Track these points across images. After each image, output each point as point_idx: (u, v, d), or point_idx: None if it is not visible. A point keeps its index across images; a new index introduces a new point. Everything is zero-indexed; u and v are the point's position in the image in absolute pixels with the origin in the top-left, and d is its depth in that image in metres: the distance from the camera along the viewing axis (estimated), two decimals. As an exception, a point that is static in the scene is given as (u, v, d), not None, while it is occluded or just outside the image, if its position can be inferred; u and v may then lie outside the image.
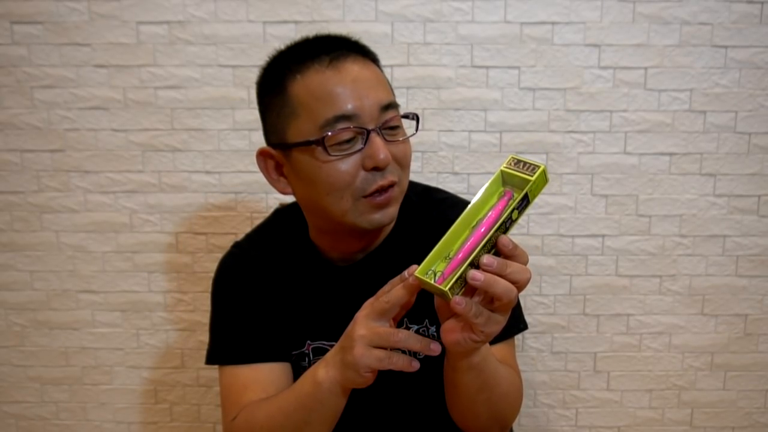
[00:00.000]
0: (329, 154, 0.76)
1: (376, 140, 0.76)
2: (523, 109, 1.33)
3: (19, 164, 1.36)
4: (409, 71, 1.31)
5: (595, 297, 1.40)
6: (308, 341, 0.89)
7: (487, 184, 0.66)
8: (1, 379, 1.45)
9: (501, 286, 0.60)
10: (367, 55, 0.82)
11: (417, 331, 0.87)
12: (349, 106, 0.75)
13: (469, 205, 0.65)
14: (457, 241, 0.63)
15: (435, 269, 0.62)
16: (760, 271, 1.38)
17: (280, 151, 0.82)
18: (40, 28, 1.30)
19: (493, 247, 0.62)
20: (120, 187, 1.36)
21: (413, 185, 0.92)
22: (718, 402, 1.44)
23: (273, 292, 0.89)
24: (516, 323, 0.90)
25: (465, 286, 0.62)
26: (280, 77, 0.79)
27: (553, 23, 1.30)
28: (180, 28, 1.30)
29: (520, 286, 0.61)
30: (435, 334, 0.88)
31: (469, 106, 1.32)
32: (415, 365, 0.67)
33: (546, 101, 1.33)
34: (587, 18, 1.30)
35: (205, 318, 1.40)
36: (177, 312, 1.41)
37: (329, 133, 0.75)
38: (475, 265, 0.61)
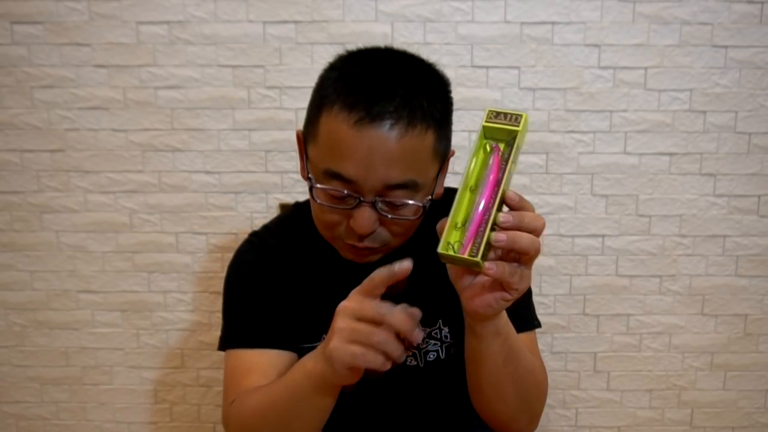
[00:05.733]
0: (314, 200, 0.76)
1: (364, 212, 0.73)
2: (523, 109, 1.33)
3: (19, 164, 1.36)
4: (409, 71, 1.31)
5: (595, 297, 1.40)
6: (324, 335, 0.88)
7: (473, 144, 0.66)
8: (1, 379, 1.45)
9: (525, 240, 0.60)
10: (415, 121, 0.71)
11: (430, 334, 0.86)
12: (351, 171, 0.72)
13: (465, 169, 0.65)
14: (462, 207, 0.63)
15: (451, 241, 0.62)
16: (760, 271, 1.38)
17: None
18: (40, 28, 1.30)
19: (501, 203, 0.62)
20: (120, 187, 1.36)
21: None
22: (718, 402, 1.44)
23: (289, 282, 0.88)
24: (532, 317, 0.89)
25: (489, 250, 0.62)
26: (322, 96, 0.75)
27: (553, 23, 1.30)
28: (180, 28, 1.30)
29: (537, 233, 0.61)
30: (448, 335, 0.87)
31: (469, 106, 1.32)
32: (387, 366, 0.63)
33: (546, 101, 1.32)
34: (587, 18, 1.30)
35: (205, 318, 1.40)
36: (177, 312, 1.41)
37: (318, 186, 0.74)
38: (492, 226, 0.61)
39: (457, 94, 1.33)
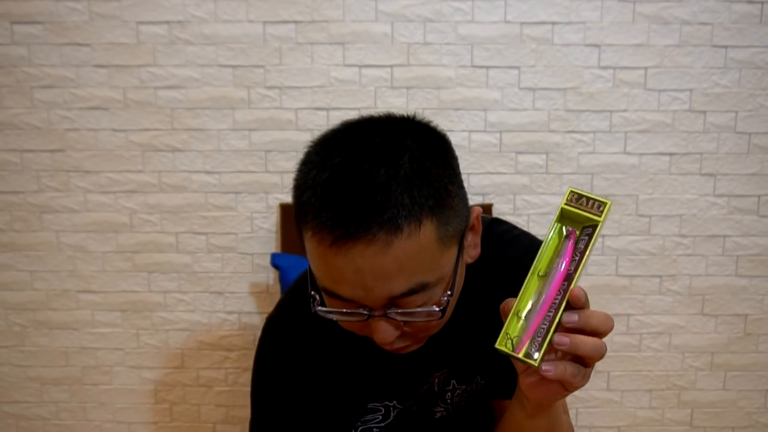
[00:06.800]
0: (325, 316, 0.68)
1: (378, 325, 0.65)
2: (523, 109, 1.33)
3: (19, 164, 1.36)
4: (409, 71, 1.31)
5: (595, 297, 1.40)
6: (370, 403, 0.82)
7: (550, 224, 0.60)
8: (1, 379, 1.45)
9: (588, 345, 0.56)
10: (399, 224, 0.59)
11: (466, 389, 0.83)
12: (347, 293, 0.63)
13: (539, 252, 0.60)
14: (527, 295, 0.58)
15: (510, 333, 0.57)
16: (760, 271, 1.38)
17: None
18: (40, 28, 1.30)
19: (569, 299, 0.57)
20: (120, 187, 1.36)
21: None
22: (718, 402, 1.44)
23: (324, 360, 0.80)
24: None
25: (550, 348, 0.57)
26: (297, 210, 0.65)
27: (553, 23, 1.30)
28: (180, 28, 1.30)
29: (603, 336, 0.57)
30: (483, 386, 0.85)
31: (469, 106, 1.32)
32: None
33: (546, 101, 1.32)
34: (587, 18, 1.30)
35: (205, 318, 1.40)
36: (177, 312, 1.41)
37: (319, 309, 0.66)
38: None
39: (457, 94, 1.34)
